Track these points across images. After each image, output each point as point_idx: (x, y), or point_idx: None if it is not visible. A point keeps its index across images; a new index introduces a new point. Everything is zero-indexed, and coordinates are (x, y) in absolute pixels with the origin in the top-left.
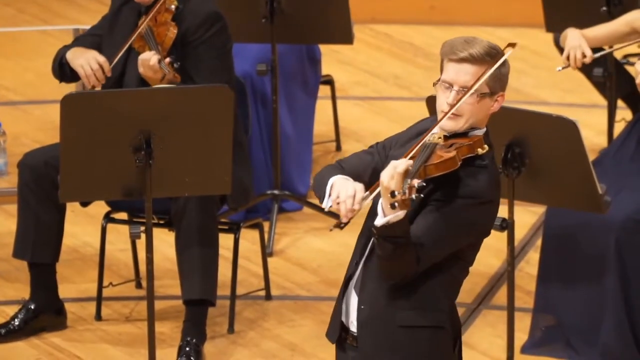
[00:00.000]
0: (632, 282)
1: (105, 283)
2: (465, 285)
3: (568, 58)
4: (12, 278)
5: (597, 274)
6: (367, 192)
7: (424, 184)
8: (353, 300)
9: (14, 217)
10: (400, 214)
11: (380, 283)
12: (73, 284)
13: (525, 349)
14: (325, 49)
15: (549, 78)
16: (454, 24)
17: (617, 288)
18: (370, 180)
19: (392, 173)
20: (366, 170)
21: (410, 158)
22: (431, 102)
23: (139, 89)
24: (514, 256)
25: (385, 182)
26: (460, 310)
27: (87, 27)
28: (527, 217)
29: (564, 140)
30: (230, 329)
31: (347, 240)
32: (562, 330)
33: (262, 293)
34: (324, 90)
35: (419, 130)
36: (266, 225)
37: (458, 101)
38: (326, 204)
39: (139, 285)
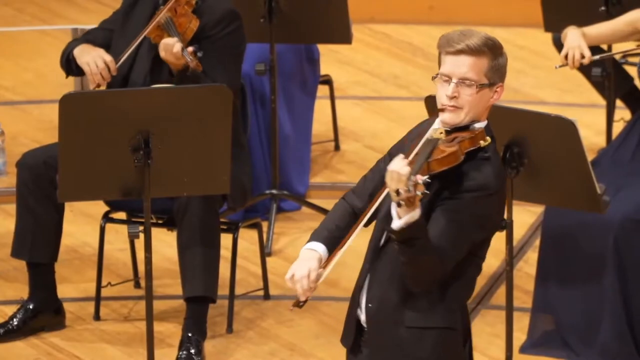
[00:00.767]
0: (630, 282)
1: (103, 283)
2: None
3: (566, 57)
4: (11, 278)
5: (595, 274)
6: (321, 269)
7: (429, 180)
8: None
9: (12, 217)
10: (415, 214)
11: (391, 283)
12: (72, 283)
13: (524, 349)
14: (324, 49)
15: (548, 78)
16: (453, 24)
17: (615, 288)
18: None
19: (391, 173)
20: (377, 187)
21: (414, 156)
22: (430, 101)
23: (138, 89)
24: (512, 256)
25: (387, 182)
26: None
27: (87, 27)
28: (525, 216)
29: (562, 140)
30: (229, 329)
31: None
32: (560, 330)
33: (261, 293)
34: (322, 90)
35: (420, 131)
36: (265, 225)
37: (458, 93)
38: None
39: (137, 285)
